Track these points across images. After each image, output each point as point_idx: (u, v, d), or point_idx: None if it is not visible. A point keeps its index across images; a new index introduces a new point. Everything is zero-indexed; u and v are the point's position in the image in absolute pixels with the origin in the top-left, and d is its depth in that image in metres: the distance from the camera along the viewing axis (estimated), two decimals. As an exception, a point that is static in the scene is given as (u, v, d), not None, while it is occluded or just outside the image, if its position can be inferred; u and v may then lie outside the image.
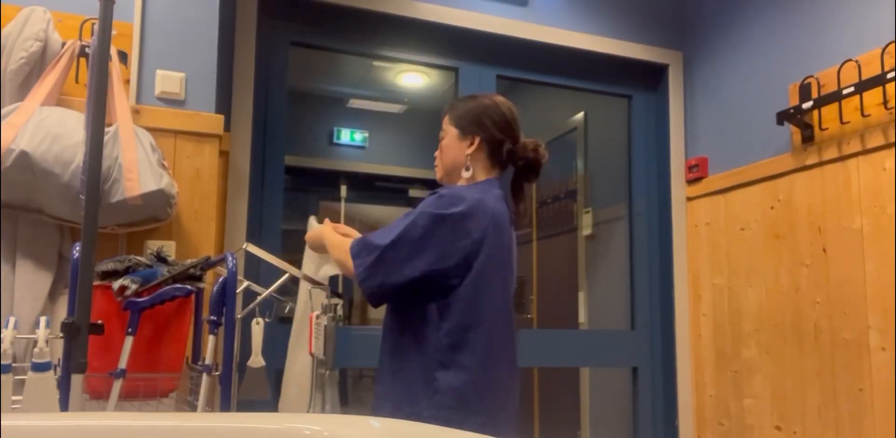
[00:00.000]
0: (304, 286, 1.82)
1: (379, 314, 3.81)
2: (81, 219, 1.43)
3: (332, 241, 1.56)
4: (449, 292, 1.43)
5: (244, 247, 1.68)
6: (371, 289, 1.42)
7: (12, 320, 1.29)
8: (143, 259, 1.49)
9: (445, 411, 1.39)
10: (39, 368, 1.22)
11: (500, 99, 1.65)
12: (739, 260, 2.52)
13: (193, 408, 1.54)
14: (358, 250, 1.44)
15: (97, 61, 1.25)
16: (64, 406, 1.23)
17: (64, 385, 1.24)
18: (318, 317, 1.62)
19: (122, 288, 1.40)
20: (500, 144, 1.59)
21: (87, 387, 1.43)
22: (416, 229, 1.41)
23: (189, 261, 1.55)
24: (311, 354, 1.61)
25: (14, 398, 1.26)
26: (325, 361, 1.61)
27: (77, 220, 1.65)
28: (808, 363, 2.22)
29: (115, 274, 1.44)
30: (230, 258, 1.44)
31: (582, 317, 3.14)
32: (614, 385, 3.04)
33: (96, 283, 1.41)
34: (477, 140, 1.59)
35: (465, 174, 1.58)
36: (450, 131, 1.63)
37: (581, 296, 3.16)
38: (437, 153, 1.67)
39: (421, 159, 4.07)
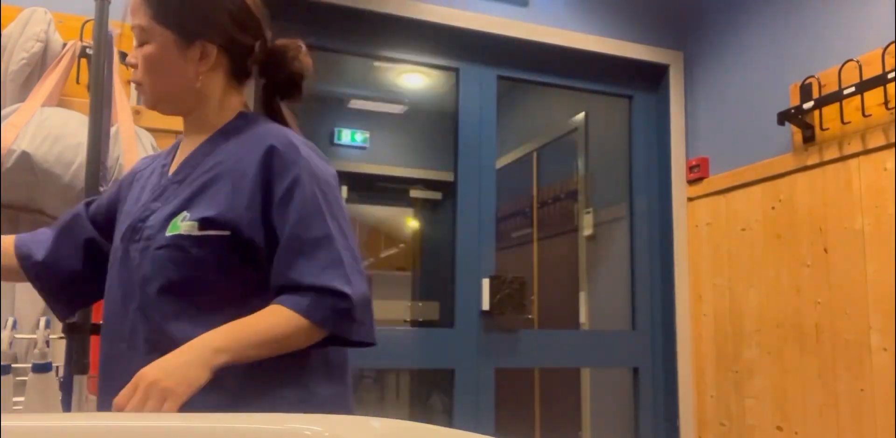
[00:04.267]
0: None
1: (382, 314, 3.80)
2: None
3: (242, 333, 0.93)
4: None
5: None
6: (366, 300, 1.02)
7: (10, 320, 1.29)
8: None
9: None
10: (39, 369, 1.22)
11: None
12: (740, 260, 2.52)
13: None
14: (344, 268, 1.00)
15: (94, 61, 1.25)
16: (67, 406, 1.23)
17: (67, 386, 1.23)
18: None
19: None
20: (247, 50, 1.10)
21: (93, 388, 1.43)
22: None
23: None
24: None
25: (16, 398, 1.26)
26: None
27: (78, 220, 1.65)
28: (809, 363, 2.22)
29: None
30: None
31: (583, 317, 3.14)
32: (615, 385, 3.04)
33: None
34: (213, 50, 1.06)
35: (209, 105, 1.10)
36: (159, 34, 1.05)
37: (582, 296, 3.16)
38: (131, 63, 1.09)
39: (422, 160, 4.07)
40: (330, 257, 0.99)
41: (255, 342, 0.93)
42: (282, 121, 1.16)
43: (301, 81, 1.14)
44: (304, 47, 1.13)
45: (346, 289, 0.97)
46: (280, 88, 1.15)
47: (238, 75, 1.13)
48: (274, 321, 0.95)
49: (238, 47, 1.09)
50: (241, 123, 1.12)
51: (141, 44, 1.07)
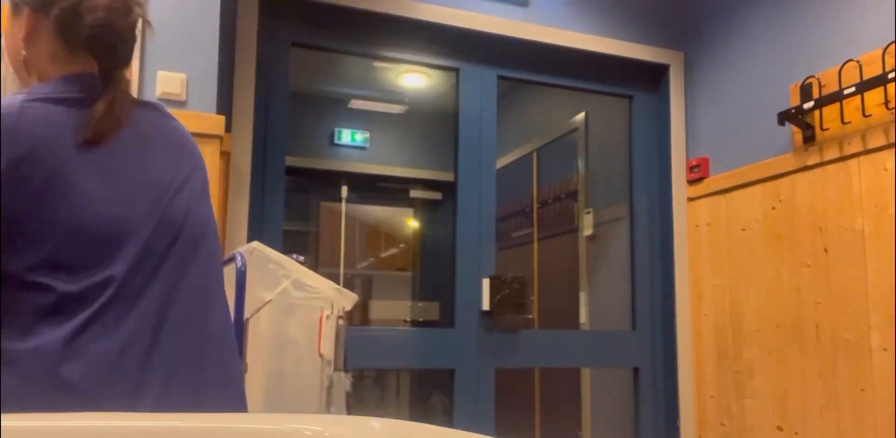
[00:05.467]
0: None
1: (382, 314, 3.81)
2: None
3: None
4: None
5: (253, 246, 1.65)
6: None
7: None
8: None
9: None
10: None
11: None
12: (740, 260, 2.52)
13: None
14: None
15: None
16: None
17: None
18: (327, 317, 1.61)
19: None
20: (68, 11, 0.94)
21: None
22: None
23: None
24: (321, 355, 1.60)
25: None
26: (333, 362, 1.60)
27: (78, 221, 1.65)
28: (809, 363, 2.22)
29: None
30: (239, 258, 1.43)
31: (583, 317, 3.14)
32: (615, 385, 3.04)
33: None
34: (26, 13, 0.96)
35: (29, 81, 0.97)
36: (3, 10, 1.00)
37: (582, 296, 3.16)
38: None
39: (422, 160, 4.07)
40: None
41: None
42: (105, 86, 0.96)
43: (110, 37, 0.94)
44: None
45: None
46: (91, 49, 0.94)
47: (67, 42, 0.96)
48: None
49: (49, 9, 0.95)
50: None
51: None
